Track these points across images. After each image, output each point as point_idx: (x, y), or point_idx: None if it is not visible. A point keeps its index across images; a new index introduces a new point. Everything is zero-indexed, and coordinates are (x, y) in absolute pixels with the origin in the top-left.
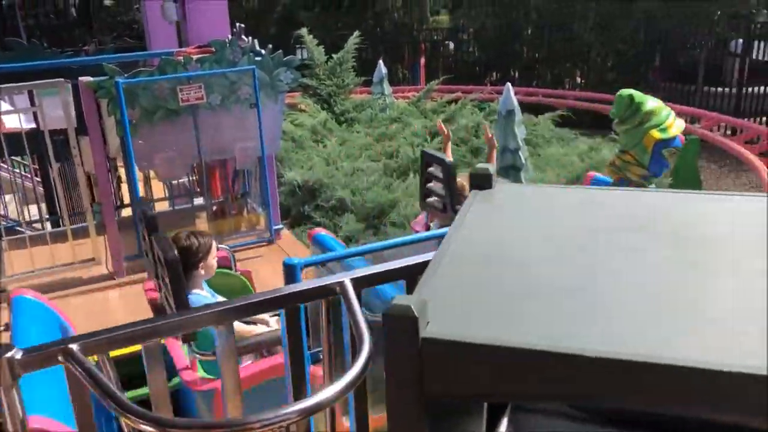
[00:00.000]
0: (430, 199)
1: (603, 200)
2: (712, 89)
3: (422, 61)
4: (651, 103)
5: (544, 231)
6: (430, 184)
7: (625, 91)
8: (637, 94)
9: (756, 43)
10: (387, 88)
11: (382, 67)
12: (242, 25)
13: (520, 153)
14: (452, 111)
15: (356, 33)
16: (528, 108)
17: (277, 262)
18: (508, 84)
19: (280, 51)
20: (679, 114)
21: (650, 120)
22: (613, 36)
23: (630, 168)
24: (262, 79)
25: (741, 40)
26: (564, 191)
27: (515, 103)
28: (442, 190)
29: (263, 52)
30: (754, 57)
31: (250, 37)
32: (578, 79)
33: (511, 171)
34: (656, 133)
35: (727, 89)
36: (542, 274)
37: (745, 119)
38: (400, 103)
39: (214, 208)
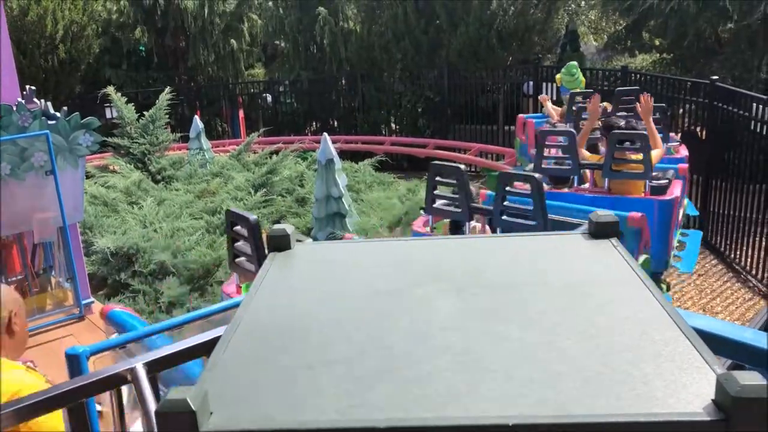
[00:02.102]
0: (239, 260)
1: (401, 252)
2: (512, 127)
3: (241, 114)
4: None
5: (338, 293)
6: (238, 244)
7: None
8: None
9: (543, 84)
10: (205, 143)
11: (198, 122)
12: (33, 88)
13: (343, 200)
14: (274, 162)
15: (168, 89)
16: (349, 155)
17: (91, 339)
18: (325, 134)
19: (77, 113)
20: (485, 154)
21: None
22: (421, 84)
23: None
24: (59, 143)
25: (531, 83)
26: (364, 246)
27: (334, 152)
28: (250, 249)
29: (58, 115)
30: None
31: (42, 100)
32: (393, 126)
33: (336, 218)
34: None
35: None
36: (333, 341)
37: None
38: (221, 158)
39: (13, 287)
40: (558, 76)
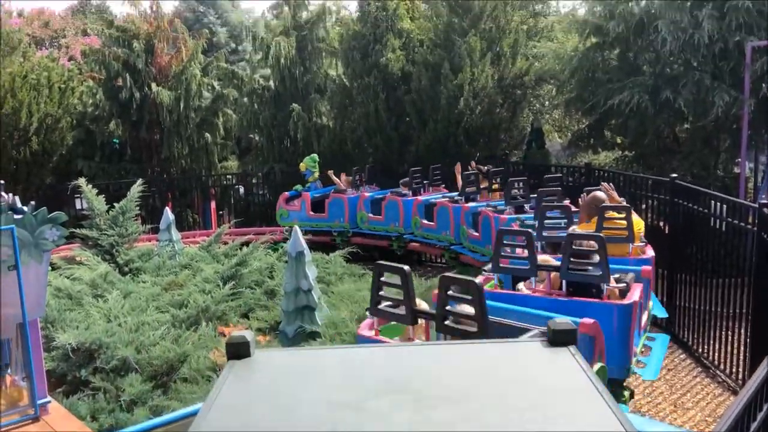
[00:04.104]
0: (383, 306)
1: (359, 360)
2: None
3: (213, 205)
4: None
5: (294, 406)
6: (381, 292)
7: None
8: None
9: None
10: (175, 234)
11: (168, 213)
12: (2, 182)
13: (312, 293)
14: (244, 254)
15: (140, 180)
16: (321, 246)
17: None
18: (296, 227)
19: (45, 208)
20: None
21: None
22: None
23: None
24: (24, 238)
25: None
26: (323, 354)
27: (304, 244)
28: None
29: (25, 209)
30: None
31: (10, 194)
32: None
33: (306, 311)
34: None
35: None
36: None
37: None
38: (191, 249)
39: None
40: (302, 163)
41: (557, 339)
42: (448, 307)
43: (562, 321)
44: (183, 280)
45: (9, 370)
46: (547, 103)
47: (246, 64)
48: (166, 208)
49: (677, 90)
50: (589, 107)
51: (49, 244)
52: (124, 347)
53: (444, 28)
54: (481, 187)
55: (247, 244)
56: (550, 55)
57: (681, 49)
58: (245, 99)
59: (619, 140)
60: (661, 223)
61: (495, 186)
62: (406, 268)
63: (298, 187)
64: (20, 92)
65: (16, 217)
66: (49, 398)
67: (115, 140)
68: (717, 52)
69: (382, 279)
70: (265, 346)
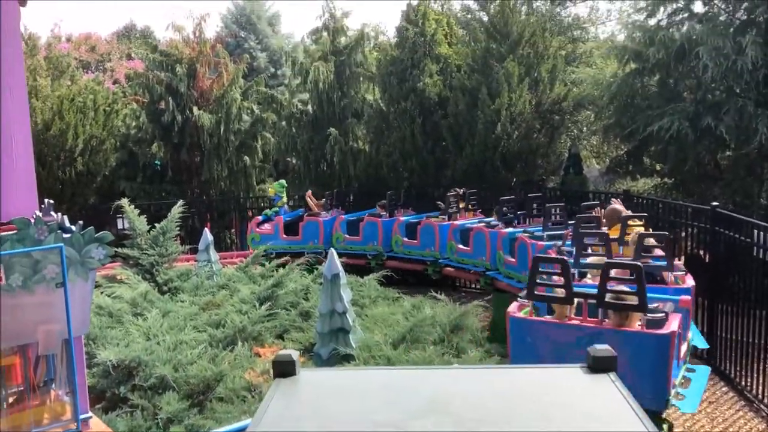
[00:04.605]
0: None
1: (402, 382)
2: None
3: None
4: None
5: (337, 425)
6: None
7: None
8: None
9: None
10: (213, 255)
11: (207, 234)
12: (51, 202)
13: (347, 315)
14: (280, 276)
15: (180, 201)
16: (355, 269)
17: None
18: (332, 249)
19: (92, 227)
20: None
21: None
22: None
23: None
24: (72, 256)
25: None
26: (364, 374)
27: (340, 267)
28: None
29: (73, 228)
30: None
31: (59, 213)
32: None
33: (340, 333)
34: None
35: None
36: None
37: None
38: (228, 270)
39: (11, 399)
40: (271, 188)
41: (598, 365)
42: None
43: (603, 348)
44: (220, 300)
45: (54, 385)
46: (585, 128)
47: (285, 88)
48: (205, 229)
49: (719, 117)
50: (627, 133)
51: (95, 263)
52: (162, 365)
53: (482, 54)
54: (460, 207)
55: (283, 265)
56: (588, 81)
57: (723, 75)
58: (283, 123)
59: (658, 167)
60: (702, 252)
61: (470, 207)
62: (565, 258)
63: (268, 211)
64: (67, 114)
65: (64, 236)
66: (90, 413)
67: (156, 162)
68: (761, 78)
69: (539, 270)
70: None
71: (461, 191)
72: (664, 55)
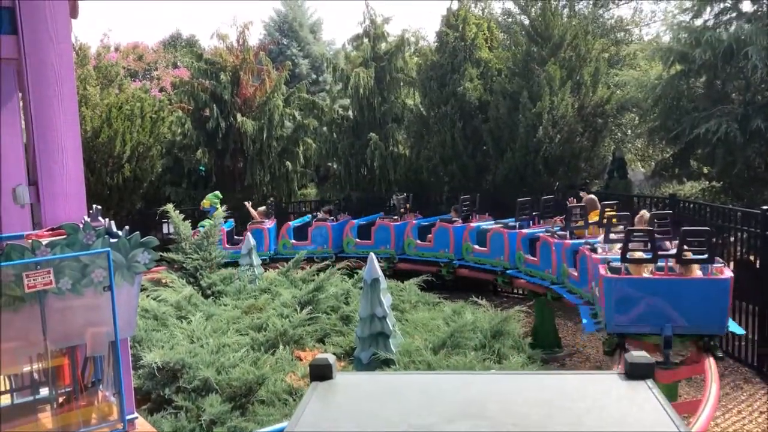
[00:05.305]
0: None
1: (437, 386)
2: None
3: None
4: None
5: (373, 428)
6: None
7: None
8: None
9: None
10: (256, 259)
11: (250, 239)
12: (99, 207)
13: (387, 320)
14: (321, 280)
15: (223, 207)
16: (396, 274)
17: None
18: (372, 254)
19: (138, 232)
20: None
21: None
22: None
23: None
24: (118, 260)
25: None
26: (400, 378)
27: (379, 271)
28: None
29: (120, 233)
30: None
31: (106, 219)
32: None
33: (380, 338)
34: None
35: None
36: None
37: None
38: (270, 274)
39: (60, 399)
40: (206, 200)
41: (635, 372)
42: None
43: (640, 355)
44: (262, 304)
45: (101, 386)
46: (629, 131)
47: (326, 94)
48: (248, 233)
49: None
50: (673, 136)
51: (140, 267)
52: (205, 368)
53: (523, 57)
54: (401, 212)
55: (324, 270)
56: (632, 83)
57: None
58: (324, 128)
59: (705, 170)
60: (752, 257)
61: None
62: (653, 229)
63: (205, 222)
64: (115, 122)
65: (111, 240)
66: (136, 414)
67: (201, 168)
68: None
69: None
70: (340, 371)
71: (403, 196)
72: (711, 55)
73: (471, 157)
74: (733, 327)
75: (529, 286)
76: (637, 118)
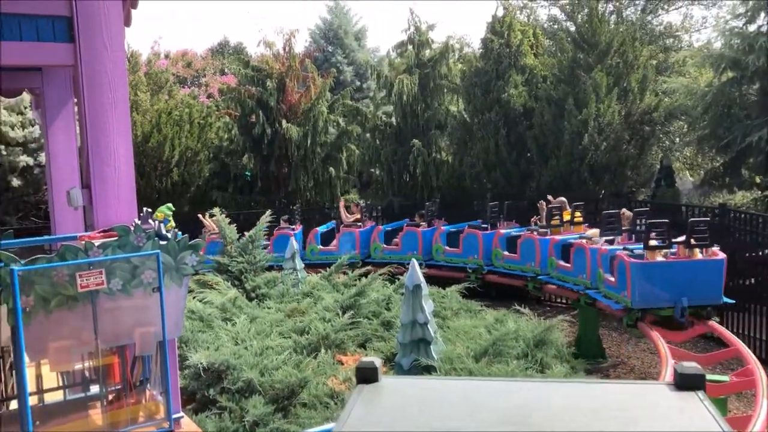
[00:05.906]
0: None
1: (481, 393)
2: None
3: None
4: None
5: (417, 431)
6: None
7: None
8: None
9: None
10: (299, 263)
11: (293, 243)
12: (149, 210)
13: (428, 326)
14: (363, 285)
15: (268, 212)
16: (436, 280)
17: None
18: (414, 260)
19: (186, 235)
20: None
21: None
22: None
23: None
24: (167, 262)
25: None
26: (444, 384)
27: (421, 278)
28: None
29: (169, 235)
30: None
31: (156, 221)
32: None
33: (421, 344)
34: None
35: None
36: None
37: None
38: (313, 278)
39: (110, 397)
40: (158, 212)
41: (685, 383)
42: None
43: (691, 365)
44: (305, 307)
45: (149, 385)
46: (677, 140)
47: (370, 101)
48: (291, 238)
49: None
50: (724, 144)
51: (188, 269)
52: (249, 369)
53: (568, 64)
54: (357, 218)
55: (365, 275)
56: (681, 91)
57: None
58: (368, 135)
59: (758, 179)
60: None
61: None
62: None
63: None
64: (165, 127)
65: (161, 243)
66: (181, 413)
67: (247, 173)
68: None
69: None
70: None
71: (362, 203)
72: (765, 62)
73: (515, 164)
74: (725, 299)
75: (561, 292)
76: (685, 126)
